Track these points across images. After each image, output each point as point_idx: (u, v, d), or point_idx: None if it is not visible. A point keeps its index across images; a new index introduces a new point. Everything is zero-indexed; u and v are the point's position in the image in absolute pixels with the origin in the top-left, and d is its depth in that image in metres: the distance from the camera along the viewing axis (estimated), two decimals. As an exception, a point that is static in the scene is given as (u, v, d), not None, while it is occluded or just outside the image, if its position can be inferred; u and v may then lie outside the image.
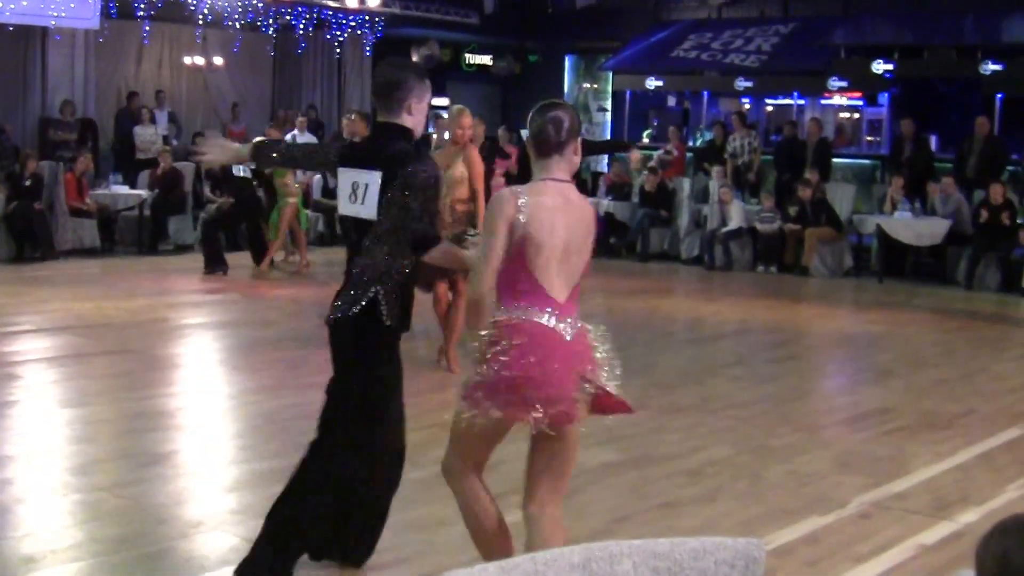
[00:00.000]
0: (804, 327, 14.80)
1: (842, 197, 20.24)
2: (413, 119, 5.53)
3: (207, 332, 13.22)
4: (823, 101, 24.74)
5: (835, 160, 21.71)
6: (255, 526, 6.33)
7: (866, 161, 23.34)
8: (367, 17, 24.53)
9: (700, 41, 25.08)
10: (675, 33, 25.91)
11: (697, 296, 17.41)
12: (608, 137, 27.52)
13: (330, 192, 21.09)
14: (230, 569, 5.78)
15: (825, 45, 23.22)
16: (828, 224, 19.17)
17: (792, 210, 19.68)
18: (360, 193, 5.43)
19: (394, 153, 5.39)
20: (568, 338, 4.80)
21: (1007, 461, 8.40)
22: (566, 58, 29.29)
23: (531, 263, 4.76)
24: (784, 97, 25.42)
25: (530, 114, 4.95)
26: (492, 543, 5.03)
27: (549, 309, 4.78)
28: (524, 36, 28.83)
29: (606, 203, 21.34)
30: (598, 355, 4.90)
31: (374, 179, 5.38)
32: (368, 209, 5.41)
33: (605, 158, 25.88)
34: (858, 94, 24.07)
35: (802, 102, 25.03)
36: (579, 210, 4.93)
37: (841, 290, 17.94)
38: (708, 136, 23.54)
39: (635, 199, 21.46)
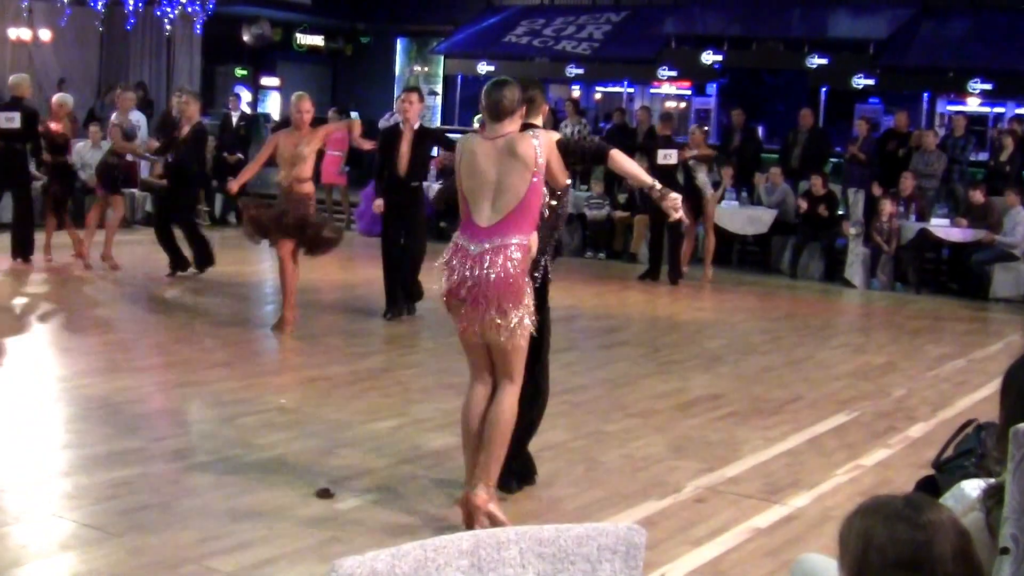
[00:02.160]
0: (634, 313, 14.97)
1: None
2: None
3: (34, 313, 12.85)
4: (652, 90, 25.08)
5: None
6: (92, 511, 6.21)
7: (694, 150, 23.69)
8: (199, -7, 24.13)
9: (532, 27, 25.22)
10: (507, 18, 26.03)
11: (528, 281, 17.44)
12: (439, 123, 27.48)
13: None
14: (68, 554, 5.67)
15: (655, 34, 23.51)
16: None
17: (621, 197, 19.90)
18: None
19: None
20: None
21: (835, 446, 8.59)
22: (398, 40, 29.19)
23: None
24: (614, 85, 25.67)
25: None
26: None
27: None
28: (356, 17, 28.67)
29: (436, 187, 21.27)
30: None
31: None
32: None
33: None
34: (687, 83, 24.45)
35: (632, 90, 25.31)
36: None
37: (669, 277, 18.19)
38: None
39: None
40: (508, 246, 6.10)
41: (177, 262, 15.01)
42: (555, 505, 6.85)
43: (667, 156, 16.89)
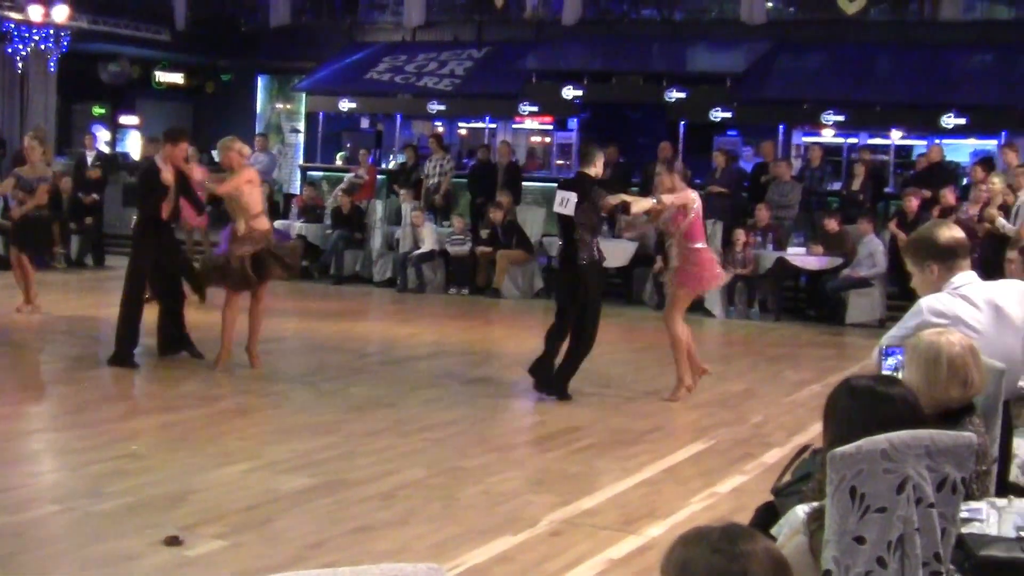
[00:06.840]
0: (496, 348, 14.98)
1: (533, 220, 20.57)
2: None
3: None
4: (515, 125, 25.15)
5: (526, 183, 22.08)
6: None
7: (556, 184, 23.79)
8: (52, 31, 23.73)
9: (394, 64, 25.20)
10: (369, 55, 25.98)
11: (391, 318, 17.41)
12: (301, 160, 27.32)
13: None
14: None
15: (517, 70, 23.62)
16: (519, 246, 19.49)
17: (484, 232, 19.92)
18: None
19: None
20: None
21: (692, 474, 8.64)
22: (259, 78, 29.00)
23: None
24: (476, 120, 25.73)
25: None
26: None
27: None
28: (217, 54, 28.42)
29: (298, 225, 21.19)
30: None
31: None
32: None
33: (298, 179, 25.89)
34: (549, 118, 24.56)
35: (494, 126, 25.39)
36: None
37: (532, 311, 18.19)
38: (401, 159, 23.62)
39: (327, 221, 21.43)
40: None
41: None
42: (410, 543, 6.77)
43: None
